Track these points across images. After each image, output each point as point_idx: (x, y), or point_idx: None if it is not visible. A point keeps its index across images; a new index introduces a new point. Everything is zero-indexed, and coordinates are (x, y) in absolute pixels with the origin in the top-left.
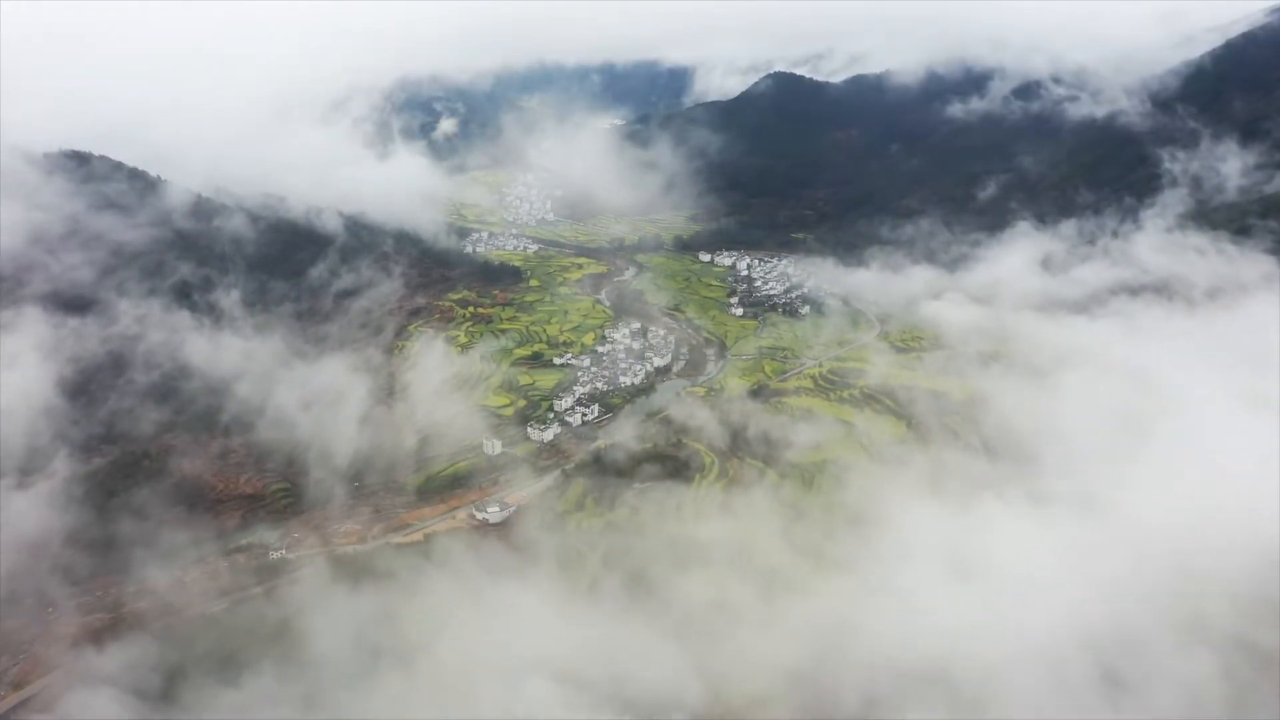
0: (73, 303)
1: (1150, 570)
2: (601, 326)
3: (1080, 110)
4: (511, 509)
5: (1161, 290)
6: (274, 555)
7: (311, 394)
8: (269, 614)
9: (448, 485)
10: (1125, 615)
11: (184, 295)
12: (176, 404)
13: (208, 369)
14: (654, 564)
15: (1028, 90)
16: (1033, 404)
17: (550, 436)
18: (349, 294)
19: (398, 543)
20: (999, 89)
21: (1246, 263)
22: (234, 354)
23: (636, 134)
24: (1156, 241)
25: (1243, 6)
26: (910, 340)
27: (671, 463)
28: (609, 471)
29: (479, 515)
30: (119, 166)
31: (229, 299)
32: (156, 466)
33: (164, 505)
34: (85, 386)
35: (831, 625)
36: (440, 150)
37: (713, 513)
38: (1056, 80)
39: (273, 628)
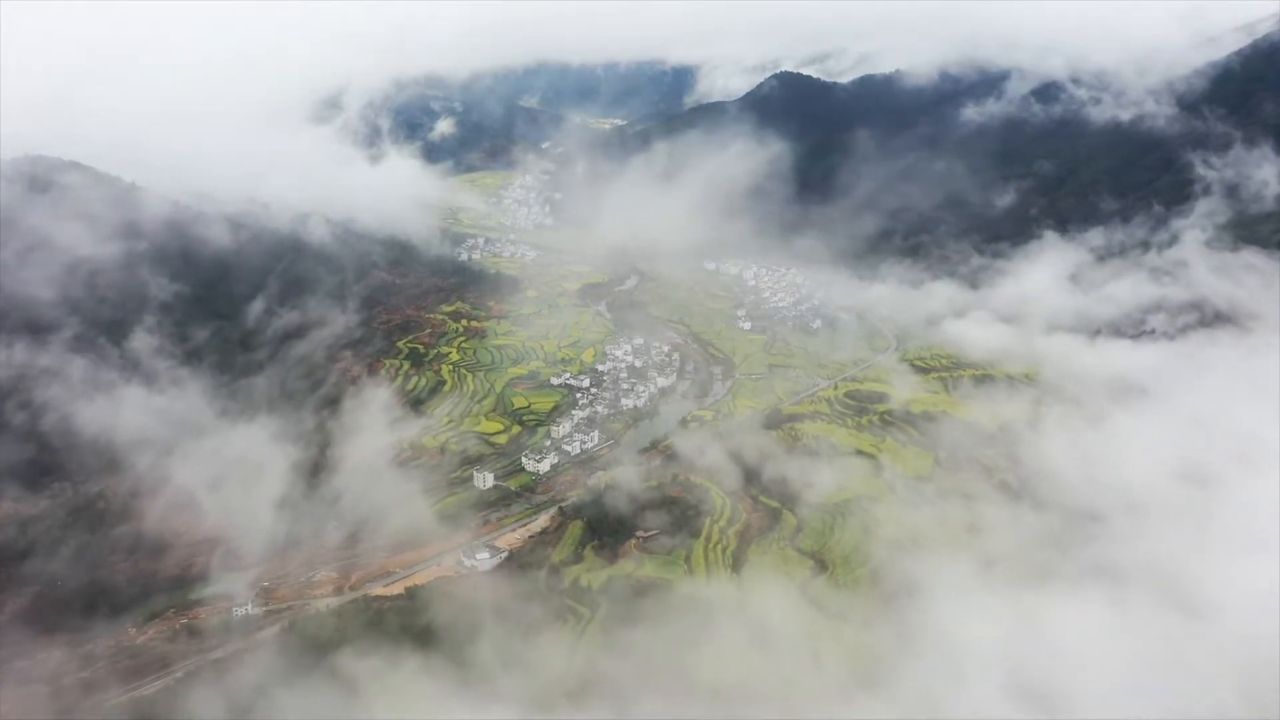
0: None
1: (1265, 690)
2: (602, 341)
3: (1103, 113)
4: (502, 554)
5: (1206, 311)
6: (238, 612)
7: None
8: (211, 700)
9: (434, 525)
10: None
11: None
12: None
13: None
14: (656, 650)
15: (1046, 92)
16: (1078, 441)
17: (547, 467)
18: (335, 305)
19: (377, 594)
20: (1016, 90)
21: None
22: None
23: (638, 136)
24: (1195, 256)
25: (1269, 5)
26: (932, 361)
27: (678, 506)
28: (609, 514)
29: (467, 562)
30: (89, 172)
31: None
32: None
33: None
34: None
35: None
36: (436, 152)
37: (723, 576)
38: (1076, 81)
39: None
